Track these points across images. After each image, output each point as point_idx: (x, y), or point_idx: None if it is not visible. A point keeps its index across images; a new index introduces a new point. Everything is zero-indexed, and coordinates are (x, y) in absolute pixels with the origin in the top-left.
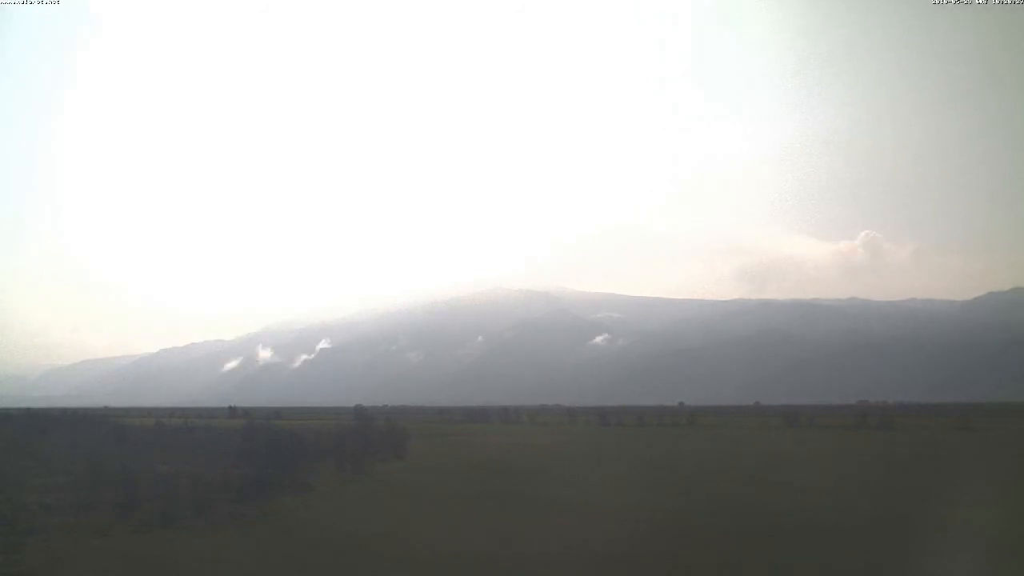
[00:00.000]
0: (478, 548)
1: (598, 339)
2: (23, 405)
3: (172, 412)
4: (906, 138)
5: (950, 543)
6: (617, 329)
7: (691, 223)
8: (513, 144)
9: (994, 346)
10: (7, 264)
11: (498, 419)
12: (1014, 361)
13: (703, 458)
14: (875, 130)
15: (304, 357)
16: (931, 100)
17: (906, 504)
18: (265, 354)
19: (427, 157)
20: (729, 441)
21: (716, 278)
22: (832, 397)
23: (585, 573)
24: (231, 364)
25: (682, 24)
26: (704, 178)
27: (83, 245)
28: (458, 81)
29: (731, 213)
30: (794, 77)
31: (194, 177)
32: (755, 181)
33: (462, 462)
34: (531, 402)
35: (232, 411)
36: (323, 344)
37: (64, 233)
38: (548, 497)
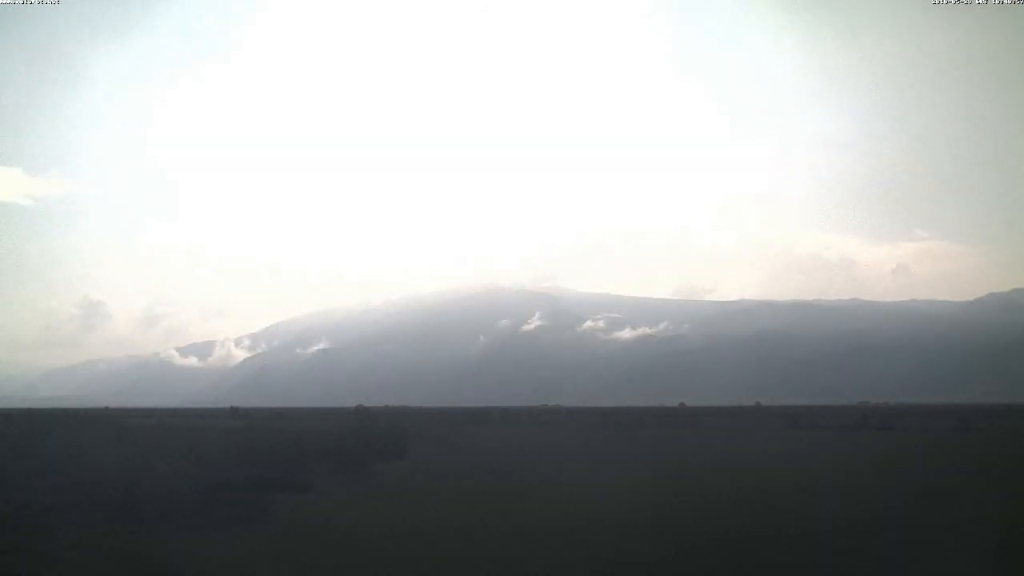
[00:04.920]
0: (477, 548)
1: (598, 339)
2: (24, 406)
3: (173, 412)
4: (906, 138)
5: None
6: (617, 329)
7: (692, 223)
8: (513, 143)
9: (994, 346)
10: (8, 263)
11: (499, 419)
12: (1014, 362)
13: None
14: (875, 130)
15: (304, 357)
16: (931, 100)
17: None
18: (266, 354)
19: (427, 156)
20: (733, 441)
21: (717, 278)
22: (833, 398)
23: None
24: (232, 364)
25: (684, 20)
26: (705, 178)
27: (84, 245)
28: (460, 80)
29: (732, 213)
30: (795, 79)
31: (193, 177)
32: (757, 182)
33: (464, 462)
34: (531, 402)
35: (233, 411)
36: (323, 344)
37: (65, 233)
38: (554, 499)
